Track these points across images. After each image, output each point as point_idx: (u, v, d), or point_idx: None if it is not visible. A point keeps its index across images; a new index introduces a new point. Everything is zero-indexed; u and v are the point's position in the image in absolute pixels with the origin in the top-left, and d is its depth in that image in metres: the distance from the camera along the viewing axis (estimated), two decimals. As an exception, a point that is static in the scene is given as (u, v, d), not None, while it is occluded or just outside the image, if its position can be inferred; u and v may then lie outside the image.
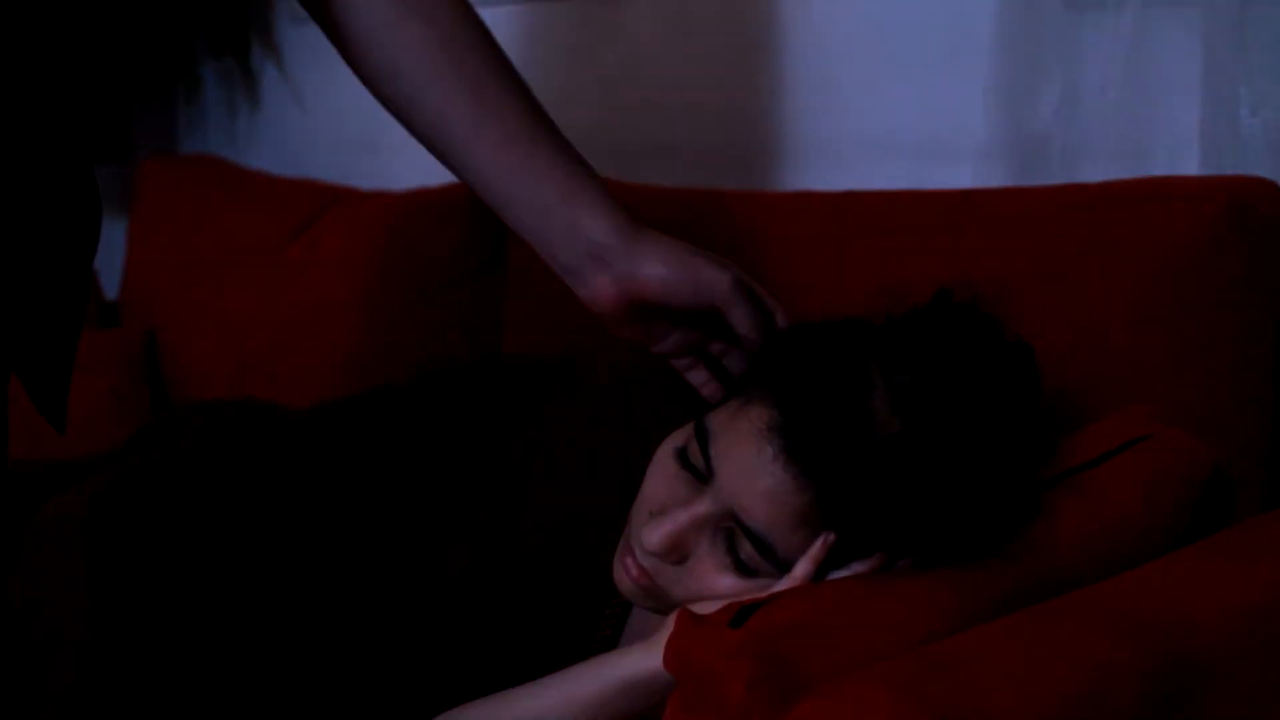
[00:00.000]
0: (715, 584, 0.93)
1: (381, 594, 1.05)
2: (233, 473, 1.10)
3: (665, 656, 0.84)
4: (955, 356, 0.90)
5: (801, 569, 0.90)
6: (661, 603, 0.96)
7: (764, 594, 0.88)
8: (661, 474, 0.96)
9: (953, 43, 1.50)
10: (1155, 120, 1.34)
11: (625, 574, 0.96)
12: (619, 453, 1.08)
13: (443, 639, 1.04)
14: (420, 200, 1.79)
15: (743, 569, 0.92)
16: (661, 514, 0.94)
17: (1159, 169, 1.31)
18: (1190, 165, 1.30)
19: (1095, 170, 1.35)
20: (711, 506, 0.92)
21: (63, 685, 0.97)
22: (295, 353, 1.84)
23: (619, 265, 1.00)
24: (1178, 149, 1.32)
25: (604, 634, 1.04)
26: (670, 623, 0.88)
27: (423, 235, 1.76)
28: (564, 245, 1.01)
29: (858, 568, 0.90)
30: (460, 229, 1.73)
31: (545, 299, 1.62)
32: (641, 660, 0.91)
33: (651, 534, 0.93)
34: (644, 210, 1.56)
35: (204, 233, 2.04)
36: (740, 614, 0.81)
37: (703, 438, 0.93)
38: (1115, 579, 0.86)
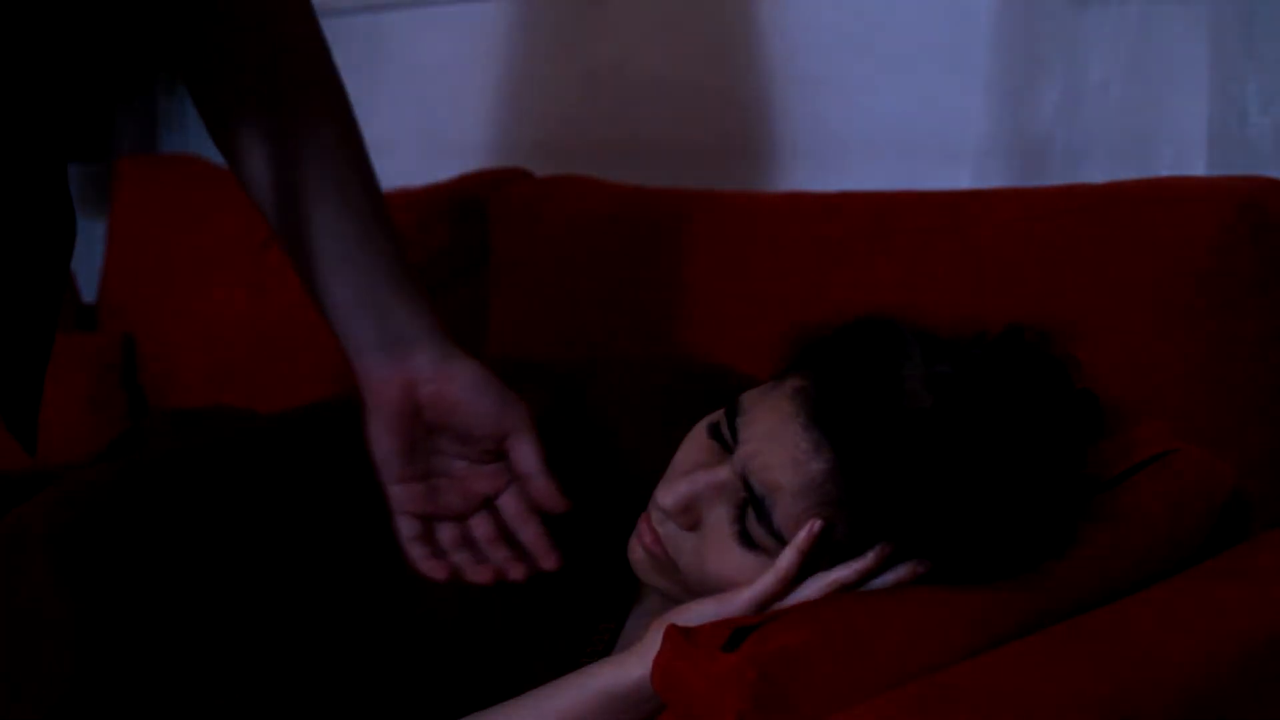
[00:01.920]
0: (719, 556, 0.92)
1: (364, 602, 1.03)
2: (203, 480, 1.07)
3: (654, 676, 0.82)
4: (1006, 368, 0.89)
5: (786, 559, 0.87)
6: (668, 577, 0.95)
7: (757, 616, 0.85)
8: (691, 446, 0.96)
9: (951, 38, 1.48)
10: (1160, 118, 1.33)
11: (638, 540, 0.96)
12: (620, 465, 1.06)
13: (429, 649, 1.01)
14: (403, 201, 1.76)
15: (747, 540, 0.91)
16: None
17: (1165, 169, 1.30)
18: (1197, 165, 1.29)
19: (1098, 170, 1.34)
20: (730, 472, 0.92)
21: (42, 706, 0.94)
22: (277, 356, 1.82)
23: (426, 357, 0.97)
24: (1184, 148, 1.30)
25: (594, 649, 1.01)
26: (652, 635, 0.86)
27: (406, 236, 1.72)
28: (378, 323, 0.98)
29: (849, 568, 0.87)
30: (444, 230, 1.71)
31: (529, 300, 1.60)
32: (621, 672, 0.89)
33: (667, 492, 0.93)
34: (633, 211, 1.56)
35: (184, 233, 2.02)
36: (735, 636, 0.78)
37: (732, 411, 0.93)
38: (1131, 602, 0.84)
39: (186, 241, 2.01)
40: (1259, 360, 1.09)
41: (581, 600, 1.02)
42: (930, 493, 0.84)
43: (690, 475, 0.93)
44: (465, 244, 1.70)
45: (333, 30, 2.36)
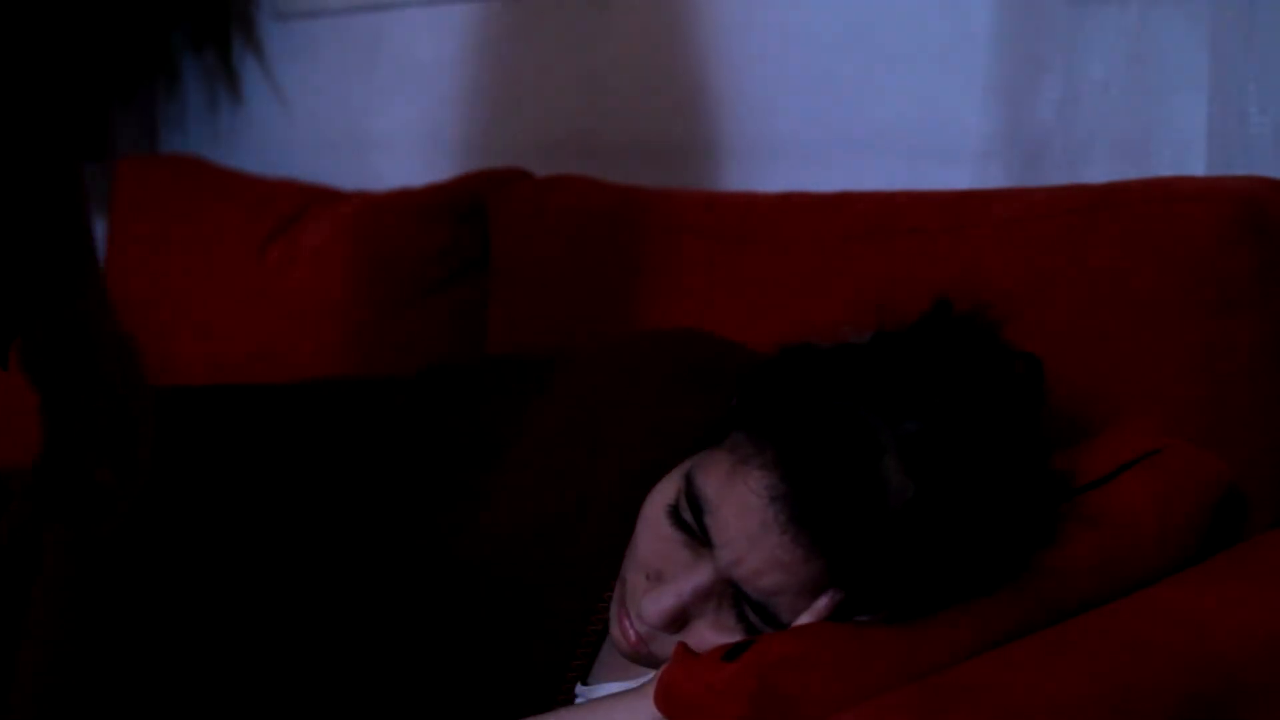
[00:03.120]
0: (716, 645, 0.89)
1: (353, 587, 1.03)
2: (201, 478, 1.07)
3: (656, 691, 0.83)
4: (961, 390, 0.87)
5: (806, 623, 0.87)
6: (659, 664, 0.93)
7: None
8: (654, 535, 0.93)
9: (950, 37, 1.48)
10: (1160, 118, 1.32)
11: (623, 637, 0.94)
12: (592, 451, 1.05)
13: (412, 634, 1.01)
14: (403, 200, 1.77)
15: (750, 633, 0.89)
16: (659, 580, 0.91)
17: (1164, 169, 1.28)
18: (1197, 165, 1.28)
19: (1098, 170, 1.33)
20: (712, 576, 0.89)
21: (37, 687, 0.94)
22: (275, 357, 1.81)
23: None
24: (1184, 148, 1.30)
25: (594, 627, 1.02)
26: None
27: (406, 236, 1.74)
28: None
29: (863, 619, 0.87)
30: (444, 229, 1.71)
31: (529, 300, 1.60)
32: (632, 712, 0.88)
33: (652, 608, 0.90)
34: (633, 211, 1.56)
35: (182, 234, 2.02)
36: (736, 647, 0.78)
37: (695, 504, 0.90)
38: (1130, 601, 0.84)
39: (184, 241, 2.01)
40: (1258, 360, 1.09)
41: (578, 579, 1.01)
42: (930, 566, 0.84)
43: (673, 586, 0.90)
44: (465, 244, 1.70)
45: (333, 30, 2.37)
